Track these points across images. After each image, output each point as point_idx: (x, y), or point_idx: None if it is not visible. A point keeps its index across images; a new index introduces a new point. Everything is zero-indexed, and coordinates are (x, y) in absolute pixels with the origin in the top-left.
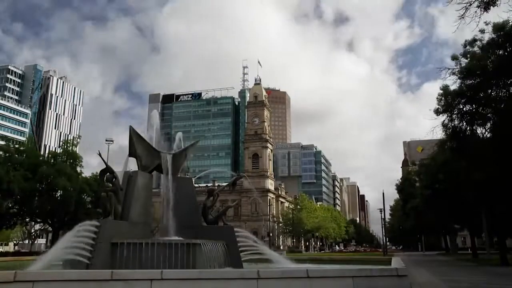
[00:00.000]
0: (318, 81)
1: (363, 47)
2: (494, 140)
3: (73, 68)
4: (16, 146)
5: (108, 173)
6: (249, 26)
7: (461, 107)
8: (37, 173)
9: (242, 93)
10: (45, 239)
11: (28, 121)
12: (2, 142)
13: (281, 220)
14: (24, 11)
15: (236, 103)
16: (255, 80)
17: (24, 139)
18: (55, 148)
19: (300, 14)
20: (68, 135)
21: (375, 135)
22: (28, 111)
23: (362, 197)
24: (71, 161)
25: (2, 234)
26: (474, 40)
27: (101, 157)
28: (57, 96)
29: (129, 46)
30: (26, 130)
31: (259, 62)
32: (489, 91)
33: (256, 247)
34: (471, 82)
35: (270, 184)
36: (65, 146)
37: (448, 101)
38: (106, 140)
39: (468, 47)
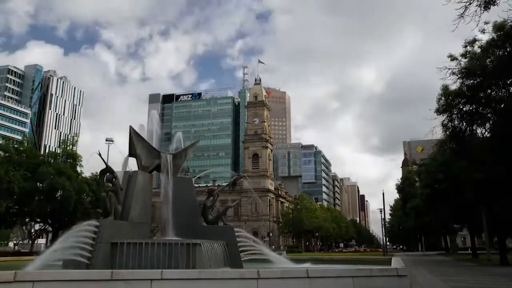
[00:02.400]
0: None
1: None
2: (494, 140)
3: None
4: (16, 146)
5: (108, 173)
6: None
7: (461, 107)
8: (36, 173)
9: (242, 93)
10: (45, 239)
11: (28, 121)
12: (2, 142)
13: (281, 220)
14: None
15: (236, 103)
16: (255, 80)
17: (24, 139)
18: (55, 148)
19: None
20: (68, 135)
21: None
22: (28, 111)
23: (362, 197)
24: (71, 161)
25: (2, 234)
26: (474, 40)
27: (101, 157)
28: (57, 96)
29: None
30: (26, 130)
31: (259, 61)
32: (489, 91)
33: (256, 247)
34: (471, 82)
35: (270, 184)
36: (64, 146)
37: (448, 101)
38: (106, 140)
39: (468, 47)
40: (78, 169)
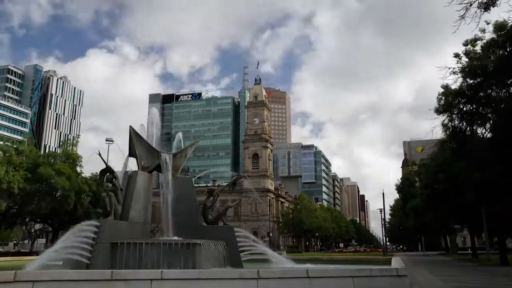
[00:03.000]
0: None
1: None
2: (494, 140)
3: None
4: (15, 146)
5: (108, 173)
6: None
7: (461, 107)
8: (36, 173)
9: (242, 93)
10: (45, 239)
11: (28, 121)
12: (2, 142)
13: (281, 220)
14: None
15: (236, 103)
16: (255, 80)
17: (24, 139)
18: (55, 148)
19: None
20: (68, 135)
21: None
22: (28, 111)
23: (362, 197)
24: (71, 161)
25: (2, 234)
26: (475, 40)
27: (101, 157)
28: (57, 96)
29: None
30: (26, 130)
31: (258, 62)
32: (490, 91)
33: (256, 247)
34: (471, 82)
35: (270, 184)
36: (64, 146)
37: (448, 101)
38: (106, 140)
39: (469, 46)
40: (78, 169)
